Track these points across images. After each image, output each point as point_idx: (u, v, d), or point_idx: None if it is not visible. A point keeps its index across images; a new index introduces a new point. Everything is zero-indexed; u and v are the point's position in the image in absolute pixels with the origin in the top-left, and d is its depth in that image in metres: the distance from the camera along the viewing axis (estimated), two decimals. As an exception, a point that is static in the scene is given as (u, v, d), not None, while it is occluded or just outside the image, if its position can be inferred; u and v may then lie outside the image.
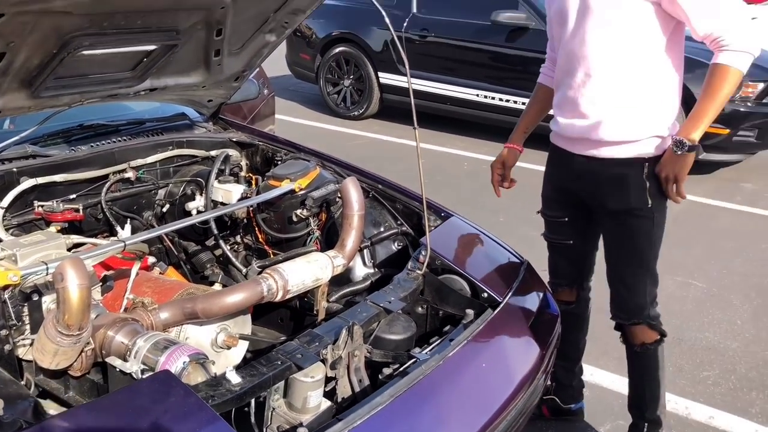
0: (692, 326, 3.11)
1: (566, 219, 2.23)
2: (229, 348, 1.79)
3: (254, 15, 2.17)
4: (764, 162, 5.65)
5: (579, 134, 2.05)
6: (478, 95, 6.00)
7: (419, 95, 6.37)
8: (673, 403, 2.52)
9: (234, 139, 2.57)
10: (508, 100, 5.83)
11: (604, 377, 2.69)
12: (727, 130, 4.95)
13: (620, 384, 2.63)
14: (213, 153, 2.49)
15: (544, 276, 2.21)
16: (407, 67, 2.07)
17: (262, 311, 2.14)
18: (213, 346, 1.77)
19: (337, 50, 6.83)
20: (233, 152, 2.51)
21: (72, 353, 1.46)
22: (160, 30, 1.96)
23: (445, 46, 6.15)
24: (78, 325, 1.39)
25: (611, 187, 2.03)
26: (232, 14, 2.07)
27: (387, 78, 6.56)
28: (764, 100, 5.03)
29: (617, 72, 1.94)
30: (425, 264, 1.92)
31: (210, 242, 2.40)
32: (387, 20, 2.02)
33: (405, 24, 6.33)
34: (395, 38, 1.97)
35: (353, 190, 1.98)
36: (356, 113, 6.87)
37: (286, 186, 2.15)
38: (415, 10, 6.37)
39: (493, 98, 5.92)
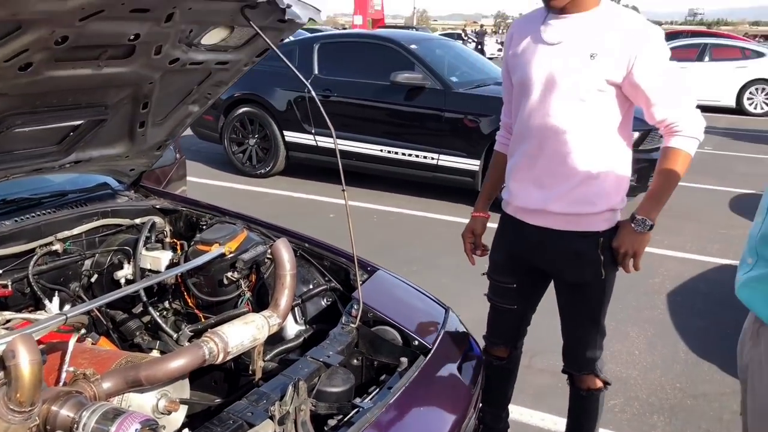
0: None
1: (515, 285, 2.27)
2: (170, 413, 1.81)
3: (179, 88, 2.26)
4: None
5: (535, 205, 2.09)
6: (381, 150, 6.25)
7: (325, 152, 6.56)
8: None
9: (157, 206, 2.61)
10: (409, 154, 6.10)
11: (522, 412, 2.86)
12: (611, 176, 5.40)
13: (537, 419, 2.82)
14: (138, 221, 2.52)
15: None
16: (332, 129, 2.07)
17: (195, 374, 2.17)
18: (154, 413, 1.79)
19: (241, 111, 6.93)
20: (158, 219, 2.55)
21: (22, 431, 1.46)
22: (89, 106, 2.02)
23: (347, 105, 6.39)
24: (30, 401, 1.41)
25: (566, 261, 2.11)
26: (159, 88, 2.15)
27: (292, 136, 6.71)
28: (640, 147, 5.53)
29: (576, 146, 1.99)
30: (358, 317, 2.03)
31: (137, 309, 2.41)
32: (307, 84, 2.14)
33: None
34: (314, 96, 2.06)
35: (284, 251, 2.07)
36: (262, 171, 6.95)
37: (216, 250, 2.21)
38: (316, 71, 6.61)
39: (396, 153, 6.18)
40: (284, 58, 2.00)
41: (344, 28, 40.95)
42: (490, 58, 41.48)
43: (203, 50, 2.08)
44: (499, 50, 39.68)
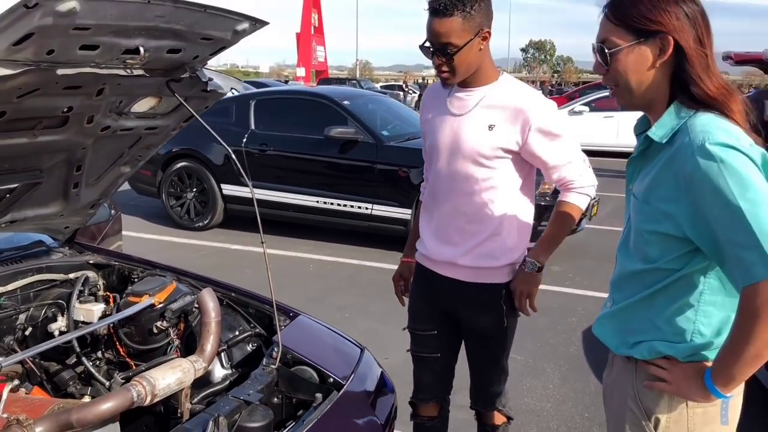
0: (513, 394, 3.59)
1: (435, 332, 2.39)
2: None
3: (111, 151, 2.45)
4: (567, 247, 6.53)
5: (446, 258, 2.26)
6: (317, 201, 6.47)
7: (263, 204, 6.74)
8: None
9: (91, 261, 2.75)
10: (345, 205, 6.34)
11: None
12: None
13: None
14: (72, 276, 2.65)
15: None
16: (250, 183, 2.34)
17: (127, 420, 2.30)
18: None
19: (179, 165, 7.08)
20: (91, 274, 2.69)
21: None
22: (25, 170, 2.19)
23: (284, 158, 6.62)
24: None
25: (472, 311, 2.29)
26: (91, 152, 2.33)
27: (229, 189, 6.89)
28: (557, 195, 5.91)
29: (480, 207, 2.18)
30: (278, 359, 2.21)
31: (71, 360, 2.53)
32: (224, 145, 2.35)
33: (245, 139, 6.75)
34: (231, 154, 2.23)
35: (209, 300, 2.25)
36: (201, 224, 7.08)
37: (146, 301, 2.37)
38: (253, 126, 6.84)
39: (331, 203, 6.41)
40: (207, 126, 2.24)
41: (287, 80, 41.52)
42: None
43: (133, 118, 2.28)
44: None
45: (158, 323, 2.39)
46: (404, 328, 2.50)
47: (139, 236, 6.75)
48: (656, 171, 1.44)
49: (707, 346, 1.45)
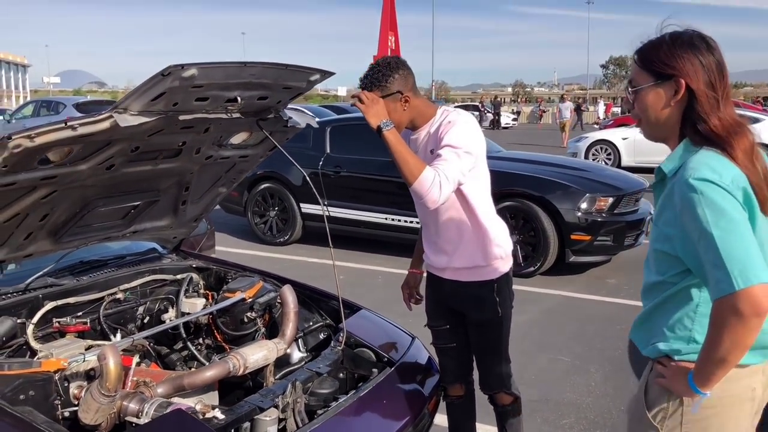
0: (557, 389, 3.97)
1: (448, 326, 2.81)
2: (204, 414, 2.50)
3: (212, 175, 3.04)
4: (625, 261, 6.81)
5: (443, 265, 2.68)
6: (386, 218, 7.00)
7: (337, 221, 7.33)
8: (538, 443, 3.34)
9: (194, 265, 3.35)
10: (411, 221, 6.84)
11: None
12: (589, 237, 6.08)
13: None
14: (179, 276, 3.25)
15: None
16: (324, 204, 2.85)
17: (226, 392, 2.84)
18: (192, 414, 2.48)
19: (263, 186, 7.78)
20: (195, 275, 3.28)
21: (107, 411, 2.15)
22: (147, 190, 2.80)
23: (356, 179, 7.20)
24: (114, 389, 2.11)
25: (471, 305, 2.68)
26: (197, 176, 2.93)
27: (307, 208, 7.52)
28: (615, 211, 6.21)
29: (460, 220, 2.58)
30: (343, 342, 2.72)
31: (178, 345, 3.12)
32: (299, 168, 2.88)
33: (321, 162, 7.38)
34: (306, 177, 2.68)
35: (289, 294, 2.78)
36: (281, 240, 7.74)
37: (238, 296, 2.94)
38: (329, 150, 7.46)
39: (399, 220, 6.93)
40: (286, 154, 2.78)
41: (363, 103, 42.37)
42: (505, 128, 41.78)
43: (230, 148, 2.86)
44: (514, 119, 40.89)
45: (248, 314, 2.94)
46: (425, 326, 2.93)
47: (227, 250, 7.45)
48: (663, 198, 1.67)
49: (697, 351, 1.61)
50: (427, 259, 2.82)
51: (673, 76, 1.63)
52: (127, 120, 2.05)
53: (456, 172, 2.40)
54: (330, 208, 7.37)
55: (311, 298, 3.13)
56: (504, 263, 2.70)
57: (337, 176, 7.28)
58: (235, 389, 2.89)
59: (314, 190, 7.34)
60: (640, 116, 1.75)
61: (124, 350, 2.77)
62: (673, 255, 1.63)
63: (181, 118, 2.23)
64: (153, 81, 1.98)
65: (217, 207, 8.43)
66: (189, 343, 3.01)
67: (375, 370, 2.59)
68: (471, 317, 2.74)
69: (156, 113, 2.12)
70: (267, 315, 3.03)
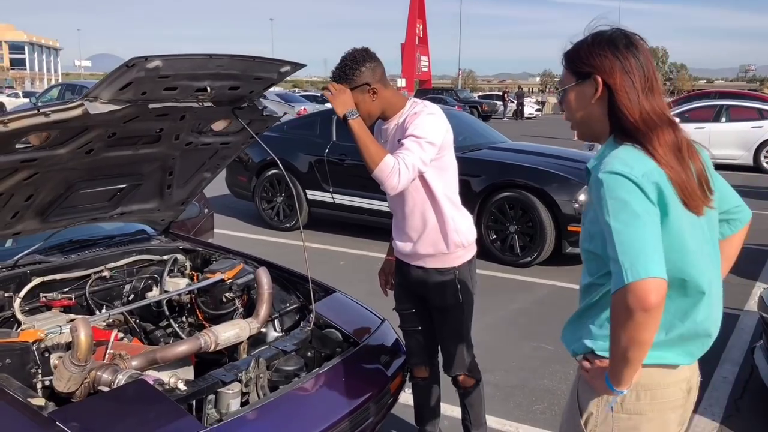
0: (536, 377, 4.06)
1: (413, 310, 2.91)
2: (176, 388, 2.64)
3: (195, 160, 3.17)
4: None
5: (408, 251, 2.79)
6: (389, 206, 7.09)
7: (342, 208, 7.46)
8: (507, 426, 3.45)
9: (181, 247, 3.50)
10: (414, 210, 6.93)
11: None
12: (586, 228, 6.12)
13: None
14: (165, 257, 3.40)
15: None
16: (281, 166, 2.95)
17: (204, 368, 2.98)
18: (166, 386, 2.63)
19: (270, 173, 7.93)
20: (180, 256, 3.43)
21: (79, 380, 2.30)
22: (130, 174, 2.94)
23: (360, 167, 7.27)
24: (85, 359, 2.26)
25: (434, 291, 2.77)
26: (180, 162, 3.06)
27: (313, 194, 7.65)
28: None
29: (423, 208, 2.67)
30: (312, 322, 2.85)
31: (163, 323, 3.27)
32: (274, 156, 3.00)
33: (326, 150, 7.50)
34: (279, 162, 2.73)
35: (264, 276, 2.92)
36: (288, 225, 7.89)
37: (217, 276, 3.08)
38: (335, 138, 7.57)
39: (402, 209, 7.03)
40: (261, 143, 2.91)
41: (387, 91, 42.33)
42: (528, 118, 41.21)
43: (210, 135, 2.99)
44: (538, 110, 40.58)
45: (226, 294, 3.08)
46: (393, 309, 3.02)
47: (235, 234, 7.64)
48: (588, 196, 1.68)
49: None
50: (395, 245, 2.92)
51: (591, 74, 1.66)
52: (98, 108, 2.18)
53: (416, 161, 2.48)
54: (335, 196, 7.49)
55: (289, 281, 3.26)
56: (466, 252, 2.79)
57: (342, 164, 7.40)
58: (213, 366, 3.04)
59: (318, 176, 7.50)
60: (569, 117, 1.76)
61: (108, 325, 2.94)
62: (598, 254, 1.62)
63: (151, 106, 2.36)
64: (119, 71, 2.11)
65: (227, 192, 8.69)
66: (172, 321, 3.16)
67: (338, 350, 2.72)
68: (433, 302, 2.84)
69: (125, 101, 2.25)
70: (245, 296, 3.16)
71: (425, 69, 42.84)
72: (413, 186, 2.65)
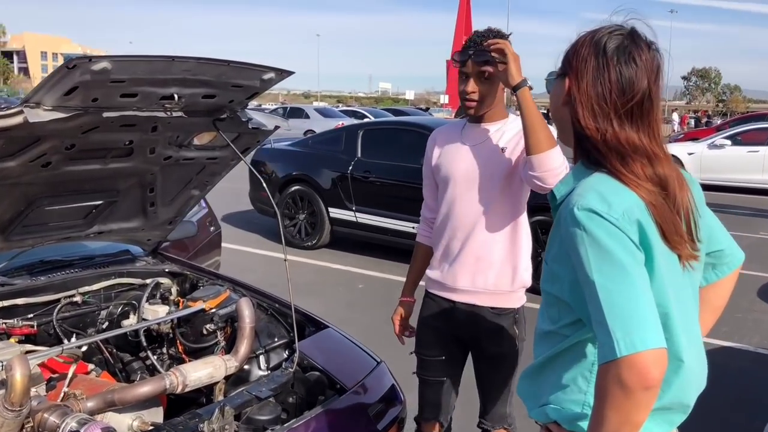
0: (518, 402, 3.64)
1: (443, 358, 2.53)
2: (142, 432, 2.34)
3: (180, 177, 2.88)
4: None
5: (462, 285, 2.40)
6: (414, 227, 6.75)
7: (365, 227, 7.14)
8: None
9: (167, 270, 3.21)
10: (439, 232, 6.57)
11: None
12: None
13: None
14: (148, 281, 3.12)
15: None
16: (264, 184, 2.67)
17: (178, 408, 2.68)
18: (129, 430, 2.32)
19: (293, 189, 7.66)
20: (165, 280, 3.13)
21: (14, 426, 2.01)
22: (104, 190, 2.66)
23: (383, 185, 6.98)
24: (20, 403, 1.96)
25: (488, 336, 2.42)
26: (161, 178, 2.78)
27: (336, 213, 7.35)
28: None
29: (494, 232, 2.35)
30: (295, 362, 2.51)
31: (142, 354, 2.98)
32: (257, 174, 2.69)
33: (351, 166, 7.20)
34: (259, 176, 2.46)
35: (246, 308, 2.60)
36: (309, 244, 7.59)
37: (198, 306, 2.77)
38: (359, 154, 7.27)
39: (427, 230, 6.66)
40: (243, 158, 2.59)
41: (427, 109, 42.32)
42: None
43: (194, 149, 2.70)
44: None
45: (207, 326, 2.77)
46: (411, 353, 2.64)
47: (254, 251, 7.38)
48: (552, 229, 1.42)
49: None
50: (435, 276, 2.53)
51: (565, 74, 1.42)
52: (39, 115, 1.90)
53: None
54: (358, 214, 7.17)
55: (279, 312, 2.93)
56: (524, 292, 2.47)
57: (366, 181, 7.09)
58: (191, 405, 2.73)
59: (342, 194, 7.19)
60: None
61: (77, 357, 2.65)
62: (563, 300, 1.37)
63: (106, 115, 2.07)
64: (60, 74, 1.82)
65: (250, 207, 8.45)
66: (150, 352, 2.87)
67: (321, 398, 2.37)
68: (485, 349, 2.48)
69: (73, 109, 1.96)
70: (228, 328, 2.85)
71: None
72: (510, 201, 2.35)
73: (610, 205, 1.26)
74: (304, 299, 5.02)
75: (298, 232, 7.73)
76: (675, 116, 37.21)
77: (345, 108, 38.79)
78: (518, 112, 2.43)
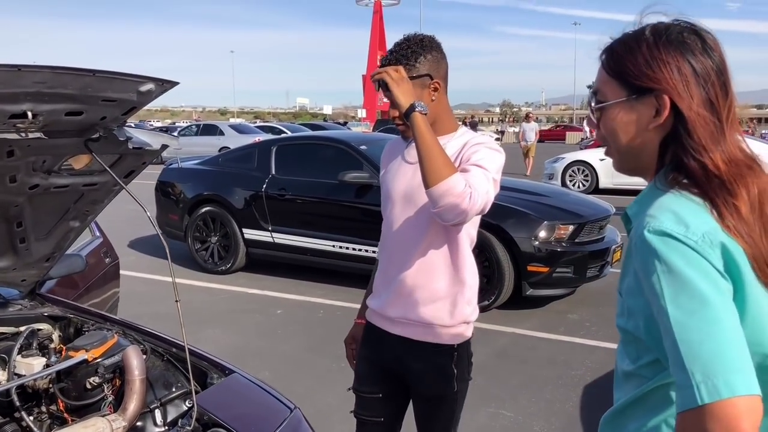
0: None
1: (380, 395, 2.27)
2: None
3: (54, 207, 2.48)
4: (590, 294, 6.30)
5: (395, 314, 2.16)
6: (333, 246, 6.46)
7: (282, 248, 6.78)
8: None
9: (46, 314, 2.79)
10: (360, 249, 6.30)
11: None
12: (547, 268, 5.56)
13: None
14: (23, 329, 2.69)
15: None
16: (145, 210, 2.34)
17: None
18: None
19: (204, 210, 7.22)
20: (43, 326, 2.72)
21: None
22: (-46, 228, 2.24)
23: (300, 202, 6.66)
24: None
25: (422, 373, 2.16)
26: (30, 209, 2.38)
27: (251, 234, 6.96)
28: (576, 240, 5.71)
29: (433, 258, 2.09)
30: (194, 419, 2.17)
31: (17, 414, 2.55)
32: (144, 208, 2.34)
33: (265, 184, 6.83)
34: (146, 210, 2.17)
35: (134, 357, 2.24)
36: (223, 268, 7.16)
37: (79, 356, 2.38)
38: (274, 171, 6.92)
39: (347, 248, 6.38)
40: (119, 180, 2.24)
41: (345, 123, 42.18)
42: None
43: (66, 175, 2.31)
44: (497, 139, 40.56)
45: (92, 379, 2.38)
46: (348, 389, 2.37)
47: (162, 279, 6.88)
48: (625, 256, 1.21)
49: None
50: (371, 303, 2.26)
51: (653, 90, 1.15)
52: None
53: (487, 192, 1.93)
54: (275, 234, 6.81)
55: (177, 358, 2.57)
56: (469, 328, 2.18)
57: (282, 199, 6.74)
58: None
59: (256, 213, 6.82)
60: (607, 140, 1.27)
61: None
62: (639, 338, 1.17)
63: (-61, 138, 1.68)
64: None
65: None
66: (24, 413, 2.44)
67: (225, 461, 2.04)
68: (419, 389, 2.20)
69: None
70: (117, 380, 2.46)
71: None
72: (432, 223, 2.05)
73: (688, 227, 1.06)
74: (216, 331, 4.65)
75: (211, 255, 7.28)
76: (585, 124, 38.41)
77: (262, 124, 38.12)
78: (462, 125, 2.22)
